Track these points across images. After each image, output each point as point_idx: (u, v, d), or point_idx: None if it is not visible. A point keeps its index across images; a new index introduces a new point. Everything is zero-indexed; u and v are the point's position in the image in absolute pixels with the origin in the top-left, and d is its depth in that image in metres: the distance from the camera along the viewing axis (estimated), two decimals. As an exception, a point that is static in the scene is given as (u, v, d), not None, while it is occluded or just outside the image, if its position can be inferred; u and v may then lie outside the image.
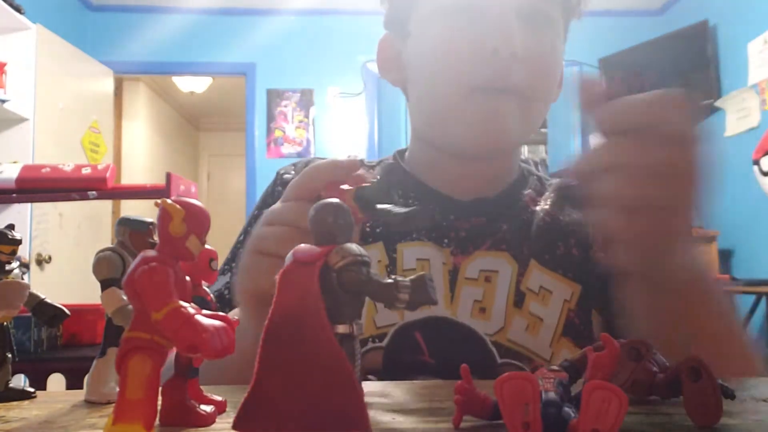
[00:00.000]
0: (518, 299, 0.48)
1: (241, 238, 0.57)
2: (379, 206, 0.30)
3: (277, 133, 3.65)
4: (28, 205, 2.39)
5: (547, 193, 0.56)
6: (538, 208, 0.54)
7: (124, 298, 0.25)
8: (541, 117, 0.53)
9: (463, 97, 0.48)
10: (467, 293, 0.48)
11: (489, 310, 0.47)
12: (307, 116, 3.68)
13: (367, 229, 0.50)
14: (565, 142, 3.66)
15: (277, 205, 0.36)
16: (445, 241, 0.50)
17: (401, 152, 0.61)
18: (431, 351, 0.46)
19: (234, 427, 0.19)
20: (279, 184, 0.57)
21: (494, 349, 0.46)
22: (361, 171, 0.34)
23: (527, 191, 0.55)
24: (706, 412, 0.22)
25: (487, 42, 0.46)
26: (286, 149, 3.64)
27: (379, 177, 0.55)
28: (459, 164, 0.53)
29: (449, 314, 0.47)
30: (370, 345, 0.46)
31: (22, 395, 0.28)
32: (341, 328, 0.20)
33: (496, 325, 0.47)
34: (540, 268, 0.49)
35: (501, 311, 0.48)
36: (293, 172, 0.57)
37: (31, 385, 0.29)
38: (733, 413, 0.24)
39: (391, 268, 0.50)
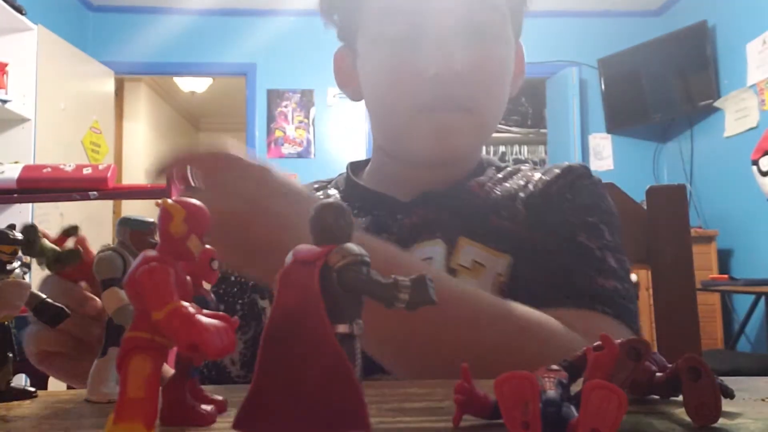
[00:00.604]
0: (451, 276, 0.48)
1: None
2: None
3: (278, 134, 3.65)
4: (30, 205, 2.40)
5: (497, 176, 0.57)
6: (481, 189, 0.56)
7: (125, 297, 0.25)
8: (494, 124, 0.55)
9: (411, 117, 0.50)
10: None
11: None
12: (307, 117, 3.68)
13: None
14: (565, 142, 3.66)
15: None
16: (384, 236, 0.51)
17: (354, 165, 0.64)
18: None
19: (234, 426, 0.20)
20: None
21: None
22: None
23: (476, 179, 0.56)
24: (705, 412, 0.22)
25: (429, 67, 0.48)
26: (287, 149, 3.65)
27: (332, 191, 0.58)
28: (415, 170, 0.55)
29: None
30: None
31: (23, 395, 0.28)
32: (341, 328, 0.20)
33: None
34: (470, 242, 0.50)
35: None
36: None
37: (32, 385, 0.29)
38: (732, 413, 0.24)
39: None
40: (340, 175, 0.64)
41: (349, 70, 0.57)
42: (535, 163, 0.57)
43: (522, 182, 0.56)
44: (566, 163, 0.57)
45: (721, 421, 0.22)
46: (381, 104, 0.54)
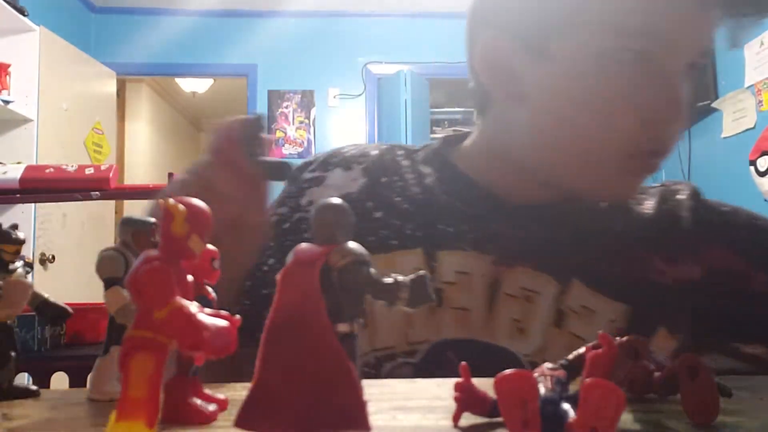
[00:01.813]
0: (558, 318, 0.44)
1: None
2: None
3: (278, 134, 3.66)
4: (32, 205, 2.40)
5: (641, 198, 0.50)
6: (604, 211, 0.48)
7: (127, 297, 0.26)
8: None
9: (617, 162, 0.43)
10: (506, 310, 0.44)
11: (528, 330, 0.43)
12: (307, 117, 3.68)
13: (408, 232, 0.47)
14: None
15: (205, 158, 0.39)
16: (492, 246, 0.45)
17: (449, 140, 0.55)
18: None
19: (236, 425, 0.20)
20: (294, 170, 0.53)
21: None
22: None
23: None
24: (703, 410, 0.22)
25: (658, 111, 0.41)
26: (287, 150, 3.65)
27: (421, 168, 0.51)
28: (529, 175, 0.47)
29: (485, 333, 0.44)
30: (400, 360, 0.43)
31: (25, 393, 0.28)
32: (342, 327, 0.20)
33: (534, 345, 0.43)
34: (582, 287, 0.44)
35: (540, 331, 0.44)
36: (310, 159, 0.55)
37: (34, 384, 0.29)
38: (730, 411, 0.24)
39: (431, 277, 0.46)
40: (427, 146, 0.55)
41: (508, 66, 0.45)
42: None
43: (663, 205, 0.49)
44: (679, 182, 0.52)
45: (719, 420, 0.22)
46: (579, 137, 0.43)
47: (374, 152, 0.54)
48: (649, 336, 0.44)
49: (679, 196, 0.51)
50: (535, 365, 0.43)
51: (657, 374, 0.25)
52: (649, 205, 0.50)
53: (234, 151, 0.36)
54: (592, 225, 0.48)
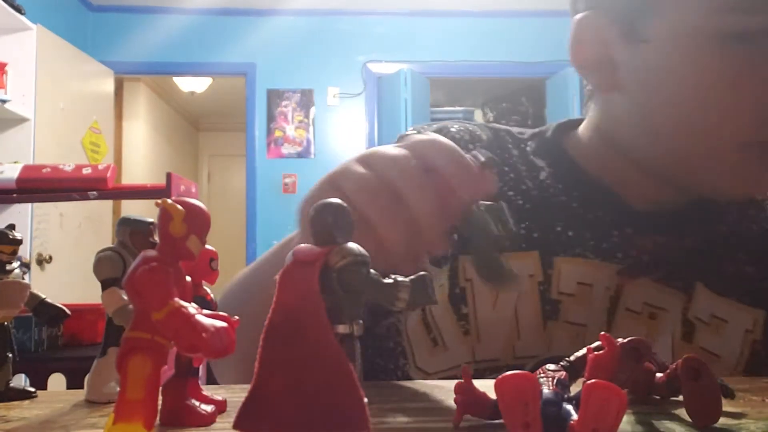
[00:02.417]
0: (687, 331, 0.40)
1: None
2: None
3: (277, 134, 3.65)
4: (29, 205, 2.40)
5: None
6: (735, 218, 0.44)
7: (125, 297, 0.25)
8: None
9: (730, 152, 0.38)
10: (627, 328, 0.40)
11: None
12: (307, 116, 3.68)
13: (522, 231, 0.42)
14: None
15: (385, 148, 0.29)
16: (618, 255, 0.41)
17: (562, 128, 0.48)
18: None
19: (234, 426, 0.20)
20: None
21: None
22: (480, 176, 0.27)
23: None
24: (705, 412, 0.22)
25: None
26: (286, 149, 3.65)
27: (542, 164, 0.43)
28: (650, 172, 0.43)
29: None
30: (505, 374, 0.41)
31: (22, 395, 0.28)
32: (341, 328, 0.20)
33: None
34: (708, 292, 0.41)
35: (666, 349, 0.40)
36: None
37: (31, 385, 0.29)
38: (733, 413, 0.24)
39: (545, 287, 0.40)
40: (538, 133, 0.49)
41: (602, 52, 0.42)
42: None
43: None
44: None
45: (722, 421, 0.22)
46: (684, 127, 0.39)
47: (484, 137, 0.47)
48: None
49: None
50: None
51: (659, 376, 0.25)
52: None
53: None
54: (721, 227, 0.44)
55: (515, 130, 0.50)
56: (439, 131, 0.46)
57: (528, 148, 0.47)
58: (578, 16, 0.43)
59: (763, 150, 0.38)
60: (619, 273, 0.41)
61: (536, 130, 0.50)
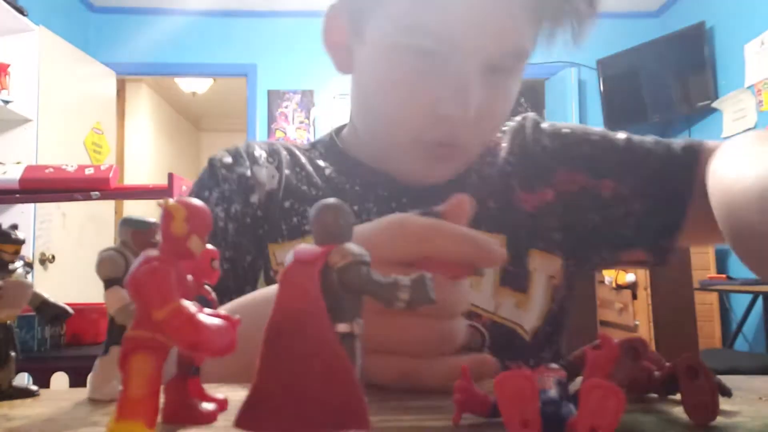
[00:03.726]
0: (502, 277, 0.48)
1: None
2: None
3: (278, 134, 3.66)
4: (32, 205, 2.40)
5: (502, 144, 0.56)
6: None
7: (127, 297, 0.26)
8: (488, 141, 0.53)
9: (407, 144, 0.48)
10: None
11: None
12: (307, 117, 3.68)
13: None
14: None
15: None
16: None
17: (336, 131, 0.59)
18: None
19: (235, 425, 0.20)
20: (218, 169, 0.54)
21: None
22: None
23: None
24: (703, 410, 0.22)
25: (441, 106, 0.44)
26: (288, 150, 3.65)
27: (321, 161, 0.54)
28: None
29: None
30: None
31: (25, 394, 0.28)
32: (342, 327, 0.20)
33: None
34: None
35: (488, 292, 0.48)
36: (229, 158, 0.55)
37: (34, 384, 0.29)
38: (729, 412, 0.24)
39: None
40: (320, 139, 0.59)
41: (343, 44, 0.51)
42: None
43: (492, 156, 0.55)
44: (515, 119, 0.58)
45: (719, 420, 0.22)
46: (376, 120, 0.50)
47: (284, 152, 0.57)
48: (522, 258, 0.50)
49: (526, 131, 0.56)
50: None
51: (657, 374, 0.25)
52: (504, 146, 0.56)
53: None
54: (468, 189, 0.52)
55: (303, 143, 0.61)
56: (247, 147, 0.56)
57: (313, 155, 0.57)
58: (331, 2, 0.52)
59: (427, 149, 0.47)
60: None
61: (318, 138, 0.61)
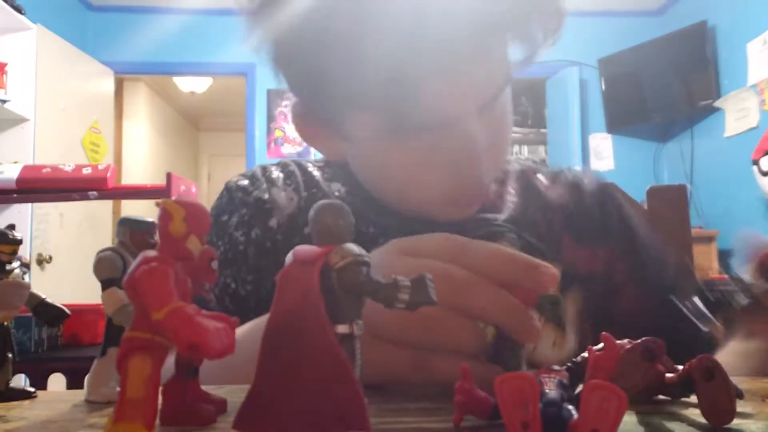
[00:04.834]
0: None
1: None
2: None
3: (278, 133, 3.65)
4: (29, 205, 2.40)
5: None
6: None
7: (125, 298, 0.25)
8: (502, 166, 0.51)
9: (433, 206, 0.46)
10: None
11: None
12: (307, 116, 3.68)
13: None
14: (565, 142, 3.66)
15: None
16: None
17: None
18: None
19: (234, 426, 0.20)
20: (235, 193, 0.52)
21: None
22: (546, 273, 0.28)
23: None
24: (720, 412, 0.22)
25: (459, 172, 0.43)
26: (287, 149, 3.65)
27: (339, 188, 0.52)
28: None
29: None
30: None
31: (22, 395, 0.28)
32: (341, 328, 0.20)
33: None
34: None
35: None
36: (246, 181, 0.53)
37: (31, 385, 0.29)
38: (745, 413, 0.24)
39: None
40: (331, 163, 0.56)
41: (314, 129, 0.50)
42: (534, 163, 0.55)
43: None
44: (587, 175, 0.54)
45: (735, 422, 0.22)
46: (390, 195, 0.48)
47: (299, 174, 0.55)
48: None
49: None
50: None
51: (669, 376, 0.25)
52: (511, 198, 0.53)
53: None
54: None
55: (314, 161, 0.58)
56: (264, 171, 0.55)
57: (326, 175, 0.55)
58: (292, 101, 0.50)
59: (461, 204, 0.46)
60: None
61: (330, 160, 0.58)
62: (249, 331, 0.34)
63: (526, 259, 0.28)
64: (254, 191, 0.52)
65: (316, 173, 0.54)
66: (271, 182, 0.53)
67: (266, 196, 0.52)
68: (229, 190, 0.54)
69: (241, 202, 0.52)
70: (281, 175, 0.54)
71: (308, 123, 0.50)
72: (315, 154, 3.66)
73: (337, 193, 0.52)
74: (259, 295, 0.48)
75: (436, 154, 0.43)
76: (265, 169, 0.56)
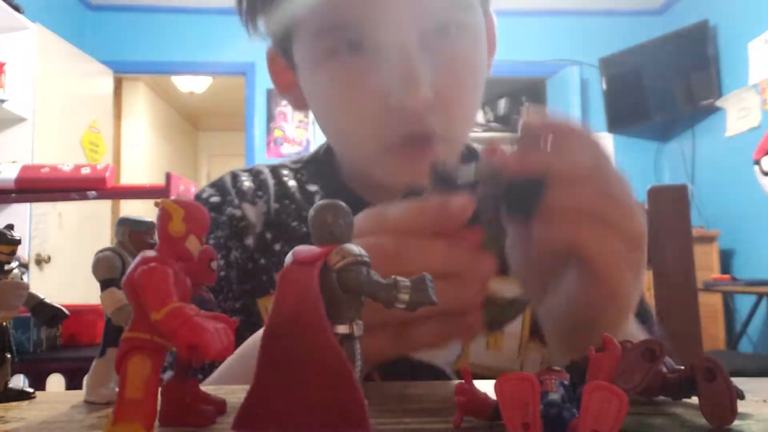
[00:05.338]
0: None
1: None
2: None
3: (277, 133, 3.65)
4: (28, 205, 2.40)
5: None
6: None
7: (124, 298, 0.25)
8: (469, 133, 0.47)
9: (378, 155, 0.42)
10: None
11: None
12: (306, 116, 3.68)
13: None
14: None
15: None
16: None
17: (330, 149, 0.53)
18: None
19: (234, 427, 0.19)
20: (210, 212, 0.51)
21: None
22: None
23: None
24: (722, 413, 0.22)
25: (390, 97, 0.39)
26: (286, 149, 3.65)
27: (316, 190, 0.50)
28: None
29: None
30: None
31: (21, 396, 0.28)
32: (341, 328, 0.20)
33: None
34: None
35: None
36: (217, 198, 0.51)
37: (30, 386, 0.29)
38: (745, 414, 0.23)
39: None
40: (314, 153, 0.54)
41: (285, 76, 0.48)
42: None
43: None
44: None
45: (736, 423, 0.22)
46: (339, 139, 0.46)
47: (271, 181, 0.52)
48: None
49: None
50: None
51: (670, 376, 0.24)
52: None
53: None
54: None
55: (292, 160, 0.56)
56: (234, 180, 0.52)
57: (303, 177, 0.52)
58: (267, 48, 0.50)
59: (398, 153, 0.41)
60: None
61: (311, 153, 0.56)
62: (239, 355, 0.33)
63: (433, 203, 0.28)
64: (227, 208, 0.50)
65: (291, 181, 0.52)
66: (241, 196, 0.51)
67: (239, 213, 0.50)
68: None
69: (215, 223, 0.49)
70: (252, 186, 0.52)
71: (278, 65, 0.49)
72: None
73: (316, 198, 0.50)
74: (251, 323, 0.43)
75: (365, 78, 0.40)
76: (235, 179, 0.53)
